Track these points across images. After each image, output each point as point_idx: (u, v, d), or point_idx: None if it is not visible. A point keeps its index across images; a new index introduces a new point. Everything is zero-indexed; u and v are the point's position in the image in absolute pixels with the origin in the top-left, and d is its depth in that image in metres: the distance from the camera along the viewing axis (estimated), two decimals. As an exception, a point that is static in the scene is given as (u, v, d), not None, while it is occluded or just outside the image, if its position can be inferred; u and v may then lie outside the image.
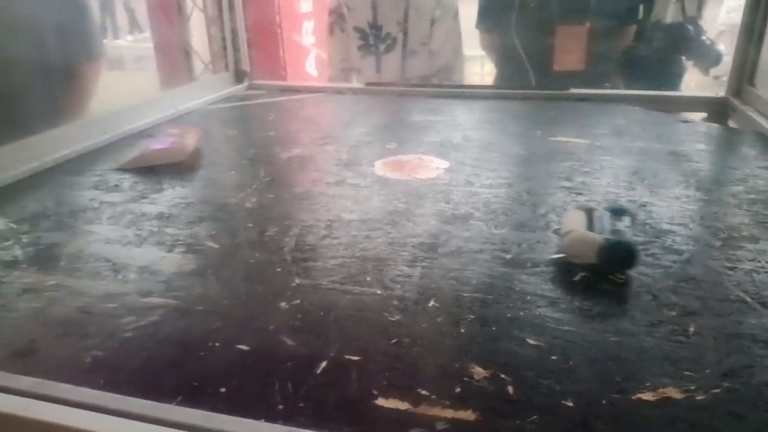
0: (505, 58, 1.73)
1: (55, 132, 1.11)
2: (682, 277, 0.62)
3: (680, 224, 0.74)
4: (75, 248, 0.71)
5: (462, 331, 0.54)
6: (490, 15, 1.72)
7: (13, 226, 0.78)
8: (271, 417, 0.43)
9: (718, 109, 1.36)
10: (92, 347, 0.52)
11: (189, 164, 1.02)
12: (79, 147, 1.10)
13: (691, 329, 0.53)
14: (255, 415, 0.43)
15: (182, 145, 1.03)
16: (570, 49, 1.62)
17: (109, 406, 0.44)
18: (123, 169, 0.99)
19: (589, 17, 1.60)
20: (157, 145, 1.02)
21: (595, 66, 1.65)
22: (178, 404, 0.45)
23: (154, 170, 0.99)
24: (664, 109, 1.34)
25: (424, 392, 0.46)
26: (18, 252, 0.71)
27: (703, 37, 1.64)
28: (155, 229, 0.76)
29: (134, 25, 8.21)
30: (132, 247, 0.71)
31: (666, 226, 0.74)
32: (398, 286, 0.61)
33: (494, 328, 0.54)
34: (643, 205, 0.80)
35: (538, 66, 1.66)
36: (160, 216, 0.80)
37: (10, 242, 0.74)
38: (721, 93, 1.36)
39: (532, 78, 1.68)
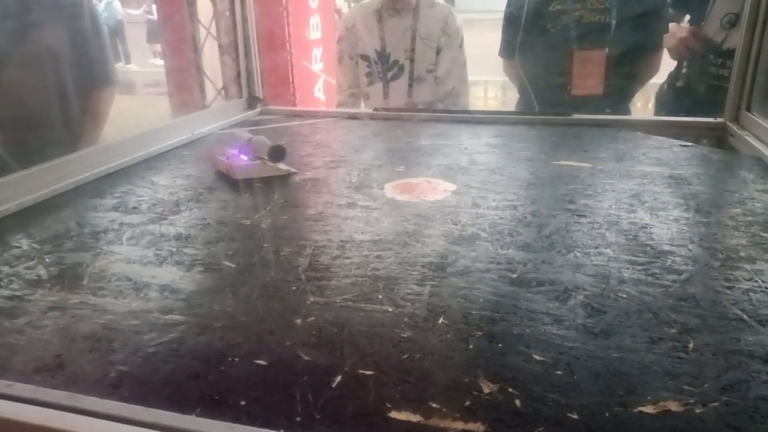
0: (526, 84, 1.76)
1: (76, 156, 1.15)
2: (681, 296, 0.64)
3: (680, 245, 0.77)
4: (97, 268, 0.74)
5: (470, 347, 0.56)
6: (511, 42, 1.76)
7: (37, 246, 0.82)
8: (290, 428, 0.46)
9: (716, 134, 1.39)
10: (117, 362, 0.55)
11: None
12: (100, 169, 1.14)
13: (691, 345, 0.55)
14: (274, 426, 0.46)
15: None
16: (588, 74, 1.64)
17: (135, 417, 0.46)
18: (233, 178, 1.08)
19: (607, 43, 1.63)
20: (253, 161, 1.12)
21: (616, 92, 1.66)
22: (199, 416, 0.47)
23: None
24: (664, 133, 1.37)
25: (435, 405, 0.48)
26: (42, 271, 0.74)
27: None
28: (174, 250, 0.79)
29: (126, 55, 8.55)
30: (152, 267, 0.74)
31: (666, 247, 0.76)
32: (409, 303, 0.64)
33: (501, 345, 0.56)
34: (643, 227, 0.83)
35: (560, 91, 1.69)
36: (178, 237, 0.84)
37: (34, 262, 0.77)
38: (720, 118, 1.39)
39: (551, 103, 1.70)
